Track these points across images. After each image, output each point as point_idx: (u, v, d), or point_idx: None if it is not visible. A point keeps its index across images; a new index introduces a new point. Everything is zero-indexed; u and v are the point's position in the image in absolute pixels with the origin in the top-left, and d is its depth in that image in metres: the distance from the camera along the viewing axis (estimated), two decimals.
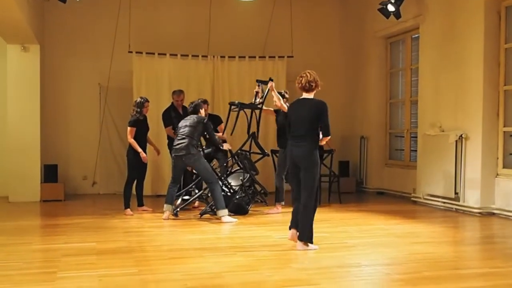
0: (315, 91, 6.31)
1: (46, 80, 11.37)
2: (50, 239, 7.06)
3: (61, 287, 4.72)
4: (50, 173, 10.75)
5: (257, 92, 9.14)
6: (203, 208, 8.86)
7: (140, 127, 9.05)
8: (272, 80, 8.67)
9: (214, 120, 9.83)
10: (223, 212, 8.14)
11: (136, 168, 9.03)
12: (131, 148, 9.00)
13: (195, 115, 8.52)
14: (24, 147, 10.60)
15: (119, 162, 11.85)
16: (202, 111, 8.70)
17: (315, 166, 6.18)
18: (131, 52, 11.26)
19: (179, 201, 8.97)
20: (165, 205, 8.45)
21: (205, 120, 8.54)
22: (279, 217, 8.78)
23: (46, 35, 11.50)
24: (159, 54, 11.51)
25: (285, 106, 8.22)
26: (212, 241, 6.87)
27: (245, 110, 9.22)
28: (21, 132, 10.61)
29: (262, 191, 9.56)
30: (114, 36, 11.18)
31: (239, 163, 9.19)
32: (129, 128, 8.99)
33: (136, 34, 11.44)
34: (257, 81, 9.24)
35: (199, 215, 8.57)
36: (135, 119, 8.98)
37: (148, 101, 9.21)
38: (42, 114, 10.93)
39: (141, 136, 9.08)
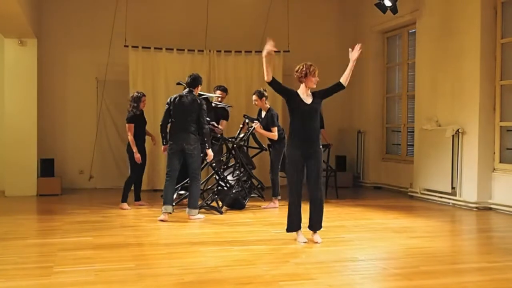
0: (301, 82, 6.41)
1: (43, 74, 11.33)
2: (47, 234, 7.04)
3: (57, 282, 4.71)
4: (46, 167, 10.72)
5: (241, 127, 9.27)
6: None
7: (138, 122, 8.96)
8: (259, 121, 8.95)
9: (219, 111, 9.60)
10: (195, 212, 7.94)
11: (138, 163, 8.89)
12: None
13: (192, 96, 7.96)
14: (20, 141, 10.57)
15: (116, 156, 11.85)
16: (199, 88, 8.18)
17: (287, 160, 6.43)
18: (127, 46, 11.23)
19: (174, 195, 8.95)
20: (163, 207, 7.87)
21: (202, 103, 8.00)
22: (276, 211, 8.78)
23: (43, 29, 11.45)
24: (155, 48, 11.49)
25: (275, 134, 8.86)
26: (209, 235, 6.86)
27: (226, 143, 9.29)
28: (18, 126, 10.58)
29: (259, 186, 9.56)
30: (111, 30, 11.15)
31: (235, 157, 9.18)
32: (127, 125, 8.87)
33: (133, 28, 11.41)
34: (244, 116, 9.30)
35: None
36: (132, 115, 8.87)
37: (145, 95, 9.12)
38: (39, 108, 10.89)
39: (140, 131, 8.98)
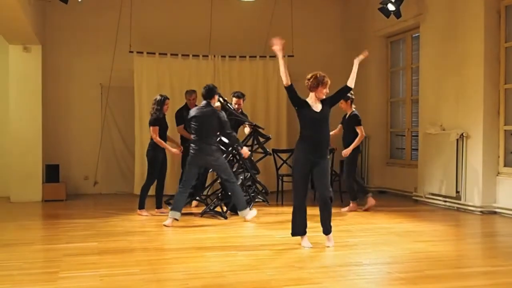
0: (311, 91, 6.42)
1: (48, 81, 11.38)
2: (52, 239, 7.07)
3: (62, 287, 4.73)
4: (51, 173, 10.76)
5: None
6: (201, 208, 8.86)
7: (160, 125, 8.79)
8: (269, 138, 9.37)
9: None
10: (246, 212, 8.13)
11: (156, 167, 8.74)
12: (151, 147, 8.73)
13: (215, 112, 8.08)
14: (26, 147, 10.61)
15: (121, 161, 11.89)
16: (216, 98, 8.28)
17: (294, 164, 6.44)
18: (132, 52, 11.27)
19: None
20: (171, 212, 7.87)
21: (221, 116, 8.14)
22: (281, 216, 8.78)
23: (48, 36, 11.51)
24: (160, 54, 11.52)
25: (362, 135, 9.09)
26: (213, 240, 6.87)
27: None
28: (23, 132, 10.62)
29: (263, 190, 9.56)
30: (116, 36, 11.19)
31: (240, 162, 9.18)
32: (152, 128, 8.67)
33: (137, 34, 11.46)
34: (254, 126, 9.34)
35: (200, 215, 8.57)
36: (156, 117, 8.69)
37: (168, 99, 8.95)
38: (44, 114, 10.94)
39: (162, 134, 8.76)
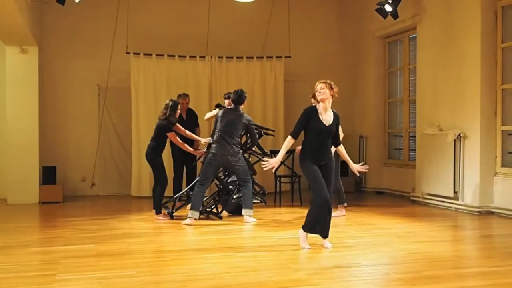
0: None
1: (45, 82, 11.37)
2: (49, 241, 7.04)
3: None
4: (48, 174, 10.73)
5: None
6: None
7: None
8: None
9: (194, 115, 10.37)
10: (250, 212, 8.27)
11: (162, 168, 8.64)
12: (150, 150, 8.61)
13: (242, 116, 8.32)
14: (22, 149, 10.58)
15: (118, 163, 11.88)
16: (244, 105, 8.48)
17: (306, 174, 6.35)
18: (129, 53, 11.26)
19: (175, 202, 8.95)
20: (190, 211, 8.02)
21: (251, 123, 8.52)
22: (278, 217, 8.78)
23: (45, 37, 11.50)
24: (156, 55, 11.51)
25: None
26: (211, 242, 6.86)
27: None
28: (20, 133, 10.60)
29: (261, 191, 9.55)
30: (113, 37, 11.19)
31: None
32: (170, 134, 8.57)
33: (134, 35, 11.44)
34: (263, 131, 9.43)
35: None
36: (170, 121, 8.56)
37: (179, 103, 8.90)
38: (40, 115, 10.91)
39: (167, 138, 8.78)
